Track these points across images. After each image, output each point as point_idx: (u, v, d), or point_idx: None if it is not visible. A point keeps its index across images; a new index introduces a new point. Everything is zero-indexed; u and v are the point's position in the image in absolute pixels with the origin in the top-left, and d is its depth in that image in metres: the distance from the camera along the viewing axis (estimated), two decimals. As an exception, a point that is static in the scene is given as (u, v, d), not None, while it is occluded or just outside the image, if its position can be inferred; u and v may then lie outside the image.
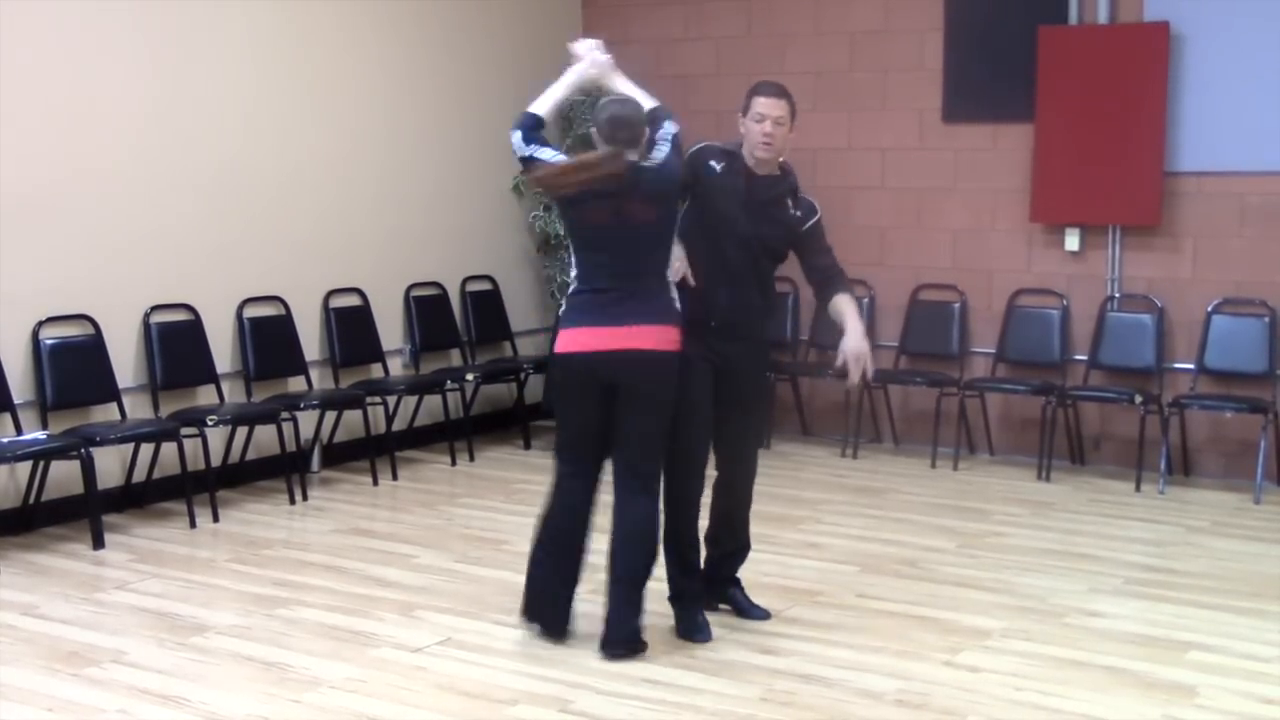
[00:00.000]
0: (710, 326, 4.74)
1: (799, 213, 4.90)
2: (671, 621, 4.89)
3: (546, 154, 4.67)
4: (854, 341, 4.70)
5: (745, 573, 5.54)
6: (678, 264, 4.70)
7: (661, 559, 4.79)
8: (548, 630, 4.81)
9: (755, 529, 6.00)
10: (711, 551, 5.03)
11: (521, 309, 8.79)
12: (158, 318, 6.78)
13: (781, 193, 4.88)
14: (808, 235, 4.92)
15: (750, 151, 4.83)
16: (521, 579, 5.58)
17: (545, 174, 4.64)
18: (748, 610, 5.07)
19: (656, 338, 4.59)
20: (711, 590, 5.06)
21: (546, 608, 4.80)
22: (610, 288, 4.60)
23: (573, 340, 4.63)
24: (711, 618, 4.92)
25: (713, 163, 4.79)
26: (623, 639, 4.66)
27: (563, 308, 4.75)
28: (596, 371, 4.60)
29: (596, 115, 4.69)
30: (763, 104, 4.81)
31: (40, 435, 6.13)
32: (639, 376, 4.59)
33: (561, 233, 8.53)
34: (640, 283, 4.62)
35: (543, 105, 4.78)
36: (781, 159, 4.92)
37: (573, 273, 4.72)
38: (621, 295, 4.59)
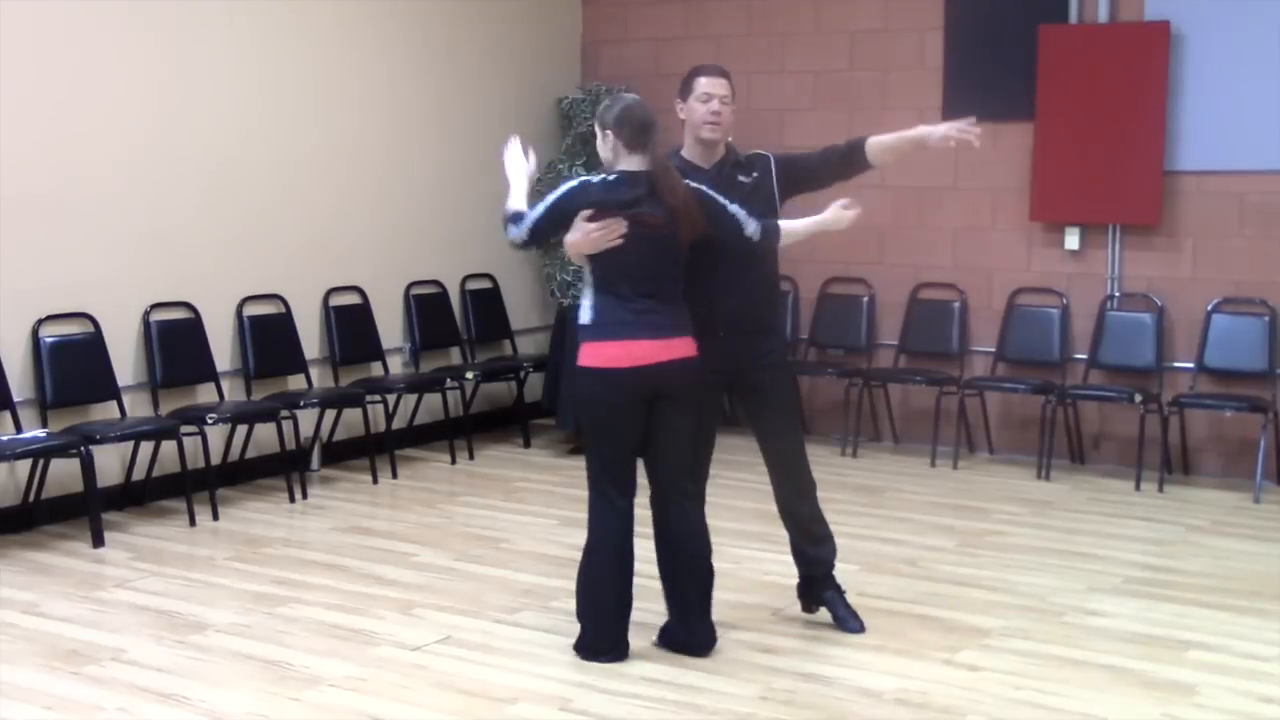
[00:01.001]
0: (719, 336, 4.69)
1: (755, 175, 4.82)
2: (663, 621, 4.88)
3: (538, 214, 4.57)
4: (927, 127, 4.80)
5: (747, 571, 5.56)
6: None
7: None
8: (616, 657, 4.64)
9: (757, 528, 6.03)
10: (797, 558, 5.00)
11: (521, 307, 8.79)
12: (157, 316, 6.78)
13: (729, 174, 4.80)
14: (786, 172, 4.84)
15: (695, 135, 4.76)
16: (521, 577, 5.60)
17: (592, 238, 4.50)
18: (844, 619, 4.95)
19: (689, 346, 4.57)
20: (809, 594, 5.03)
21: (612, 635, 4.66)
22: (636, 296, 4.53)
23: (613, 354, 4.51)
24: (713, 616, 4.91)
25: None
26: (711, 640, 4.69)
27: (584, 319, 4.59)
28: (643, 385, 4.52)
29: (611, 115, 4.57)
30: (707, 83, 4.78)
31: (40, 433, 6.13)
32: (683, 383, 4.57)
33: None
34: (663, 292, 4.56)
35: (517, 199, 4.67)
36: (729, 138, 4.87)
37: (586, 281, 4.59)
38: (651, 305, 4.53)
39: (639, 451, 4.63)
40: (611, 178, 4.56)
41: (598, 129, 4.63)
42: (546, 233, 4.60)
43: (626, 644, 4.67)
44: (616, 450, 4.59)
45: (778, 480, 4.95)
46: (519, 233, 4.58)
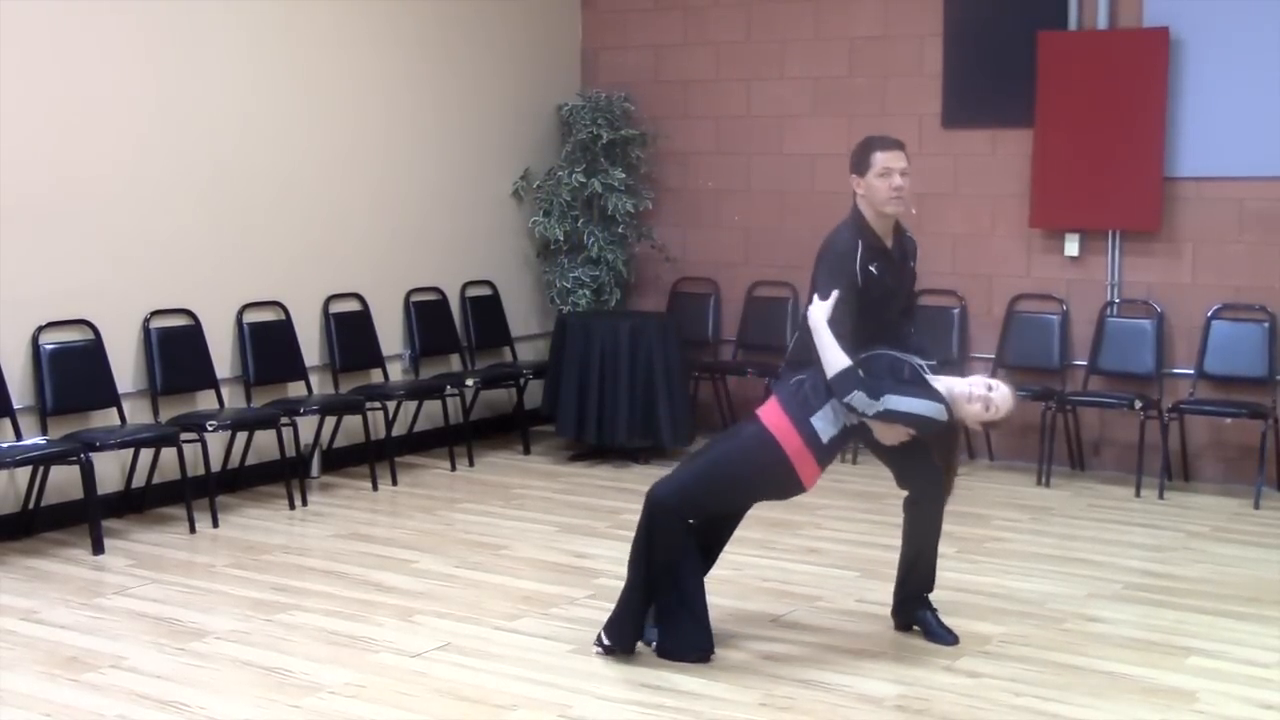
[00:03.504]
0: None
1: (912, 264, 4.90)
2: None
3: (917, 405, 4.52)
4: None
5: (747, 577, 5.55)
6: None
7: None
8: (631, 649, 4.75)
9: (757, 534, 6.02)
10: (902, 571, 5.01)
11: (521, 314, 8.79)
12: (157, 323, 6.78)
13: (900, 261, 4.83)
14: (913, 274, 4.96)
15: (878, 210, 4.71)
16: (521, 584, 5.60)
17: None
18: (938, 635, 4.91)
19: None
20: (903, 612, 5.01)
21: (636, 629, 4.74)
22: None
23: (811, 470, 4.63)
24: (712, 621, 4.89)
25: (872, 268, 4.67)
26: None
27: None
28: None
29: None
30: (885, 158, 4.71)
31: (40, 440, 6.13)
32: None
33: (561, 238, 8.55)
34: None
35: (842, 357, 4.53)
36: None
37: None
38: None
39: None
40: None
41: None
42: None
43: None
44: (740, 503, 4.81)
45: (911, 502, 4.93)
46: (864, 404, 4.46)
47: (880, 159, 4.71)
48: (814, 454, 4.55)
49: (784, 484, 4.64)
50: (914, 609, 4.98)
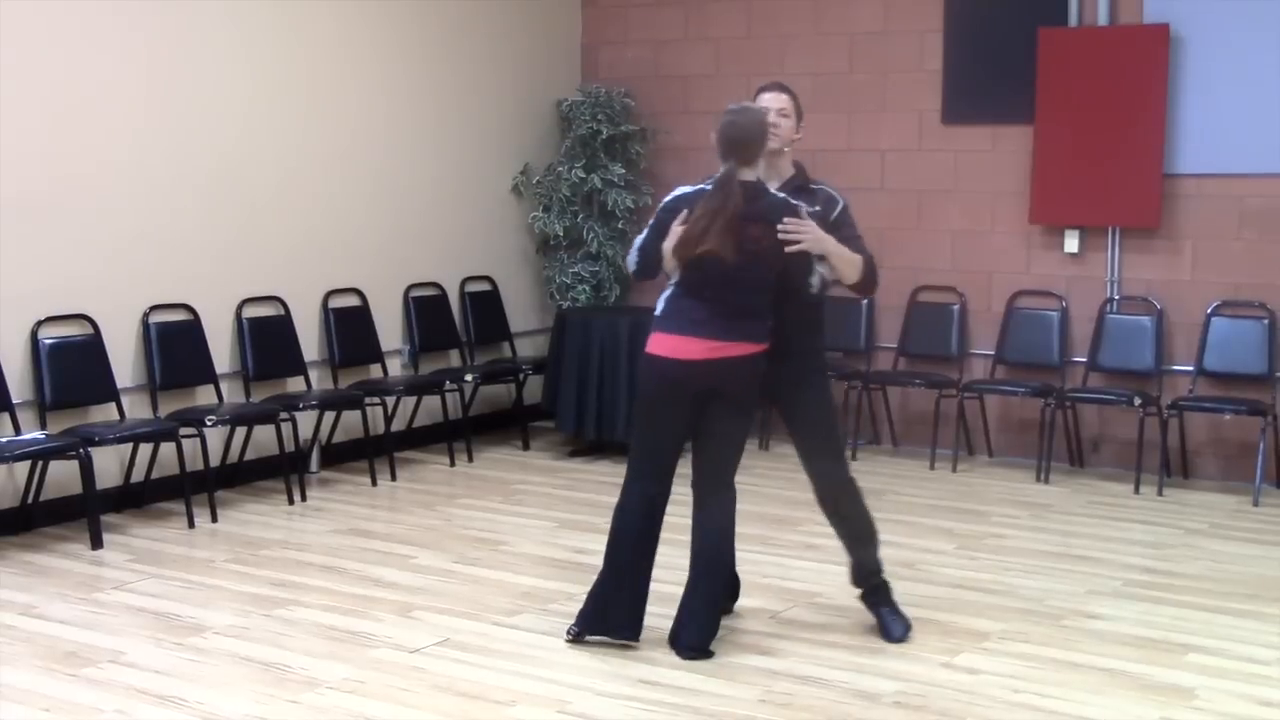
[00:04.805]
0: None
1: (817, 208, 4.83)
2: (668, 622, 4.87)
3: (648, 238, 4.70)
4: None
5: (746, 573, 5.53)
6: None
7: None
8: (621, 635, 4.74)
9: (756, 530, 6.03)
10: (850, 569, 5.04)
11: (520, 310, 8.78)
12: (156, 318, 6.78)
13: (817, 199, 4.84)
14: (835, 225, 4.85)
15: None
16: (521, 580, 5.60)
17: (680, 246, 4.57)
18: (884, 625, 4.95)
19: (749, 348, 4.62)
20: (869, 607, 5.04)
21: (623, 613, 4.74)
22: (716, 300, 4.59)
23: (665, 345, 4.62)
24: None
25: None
26: (697, 645, 4.71)
27: (657, 309, 4.70)
28: (691, 380, 4.60)
29: (718, 122, 4.63)
30: (762, 99, 4.90)
31: (39, 435, 6.13)
32: (736, 382, 4.64)
33: (560, 233, 8.55)
34: (746, 305, 4.62)
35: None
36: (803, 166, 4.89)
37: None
38: (726, 310, 4.58)
39: (681, 445, 4.72)
40: (706, 185, 4.64)
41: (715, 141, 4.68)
42: (653, 249, 4.67)
43: (628, 628, 4.73)
44: (655, 437, 4.69)
45: (821, 486, 5.01)
46: (630, 257, 4.80)
47: (760, 99, 4.90)
48: (661, 329, 4.63)
49: (663, 374, 4.62)
50: (869, 603, 4.99)
